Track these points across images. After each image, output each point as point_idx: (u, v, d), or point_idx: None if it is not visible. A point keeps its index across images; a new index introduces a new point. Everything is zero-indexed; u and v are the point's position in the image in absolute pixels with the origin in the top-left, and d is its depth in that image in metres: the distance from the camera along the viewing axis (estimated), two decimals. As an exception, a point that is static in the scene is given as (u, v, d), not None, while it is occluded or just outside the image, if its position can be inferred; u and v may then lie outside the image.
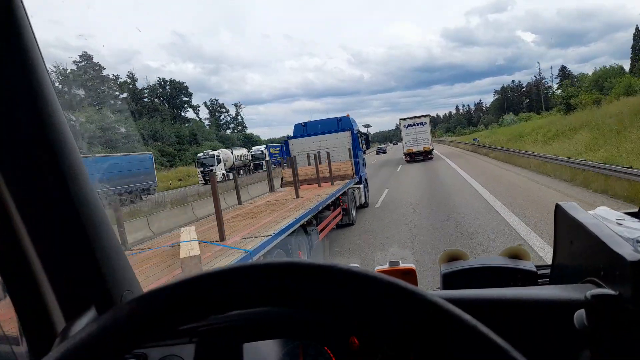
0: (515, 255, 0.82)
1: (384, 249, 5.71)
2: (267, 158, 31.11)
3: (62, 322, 0.58)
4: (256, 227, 4.16)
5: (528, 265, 0.79)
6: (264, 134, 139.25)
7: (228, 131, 69.90)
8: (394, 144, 74.81)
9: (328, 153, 8.10)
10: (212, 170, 20.71)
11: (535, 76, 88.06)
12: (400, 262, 0.80)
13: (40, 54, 0.57)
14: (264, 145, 39.03)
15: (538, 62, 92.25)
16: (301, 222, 4.62)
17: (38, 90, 0.55)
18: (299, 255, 4.68)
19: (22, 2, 0.55)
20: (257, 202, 6.41)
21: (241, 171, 31.01)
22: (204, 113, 73.23)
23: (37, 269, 0.57)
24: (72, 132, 0.59)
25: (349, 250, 5.72)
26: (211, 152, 28.38)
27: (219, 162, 27.55)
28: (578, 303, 0.54)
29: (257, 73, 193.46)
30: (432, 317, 0.37)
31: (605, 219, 0.70)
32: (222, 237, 3.52)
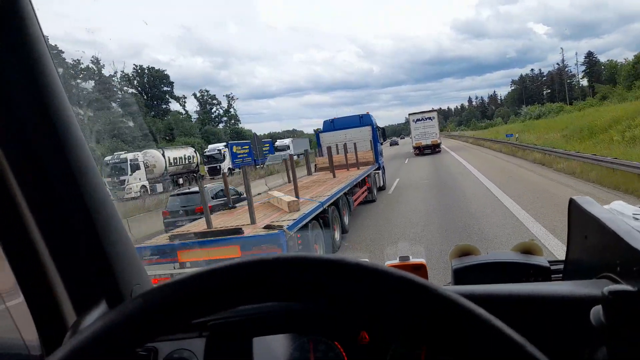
0: (527, 250, 0.84)
1: (396, 221, 7.54)
2: (227, 160, 28.66)
3: (73, 315, 0.62)
4: (315, 192, 6.71)
5: (541, 260, 0.81)
6: (274, 127, 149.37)
7: (221, 125, 69.84)
8: (400, 138, 75.81)
9: (355, 144, 10.64)
10: (124, 182, 20.12)
11: (558, 64, 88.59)
12: (410, 256, 0.83)
13: (48, 48, 0.60)
14: (223, 144, 32.85)
15: (562, 49, 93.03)
16: (344, 190, 7.09)
17: (46, 84, 0.59)
18: (343, 214, 6.94)
19: (31, 3, 0.58)
20: (302, 181, 8.43)
21: (180, 179, 24.52)
22: (192, 105, 72.91)
23: (48, 263, 0.61)
24: (80, 127, 0.62)
25: (374, 215, 8.34)
26: (123, 155, 20.44)
27: (133, 169, 20.43)
28: (594, 299, 0.55)
29: (265, 66, 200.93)
30: (445, 312, 0.38)
31: (622, 214, 0.72)
32: (297, 196, 5.93)
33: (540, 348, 0.34)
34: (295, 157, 10.85)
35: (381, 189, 11.44)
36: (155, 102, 60.25)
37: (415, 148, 25.96)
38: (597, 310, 0.54)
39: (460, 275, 0.83)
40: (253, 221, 4.82)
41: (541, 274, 0.80)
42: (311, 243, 5.16)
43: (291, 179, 6.91)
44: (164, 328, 0.40)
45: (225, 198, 6.98)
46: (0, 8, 0.55)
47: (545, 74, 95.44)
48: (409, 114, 26.94)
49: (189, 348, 0.68)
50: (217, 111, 72.94)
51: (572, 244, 0.79)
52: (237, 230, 4.56)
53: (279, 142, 40.30)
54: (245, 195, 5.68)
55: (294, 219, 4.79)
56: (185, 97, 62.06)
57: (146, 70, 58.04)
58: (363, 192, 9.15)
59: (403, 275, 0.39)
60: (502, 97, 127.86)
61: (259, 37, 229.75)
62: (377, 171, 11.02)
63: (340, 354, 0.68)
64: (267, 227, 4.52)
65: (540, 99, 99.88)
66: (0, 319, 0.67)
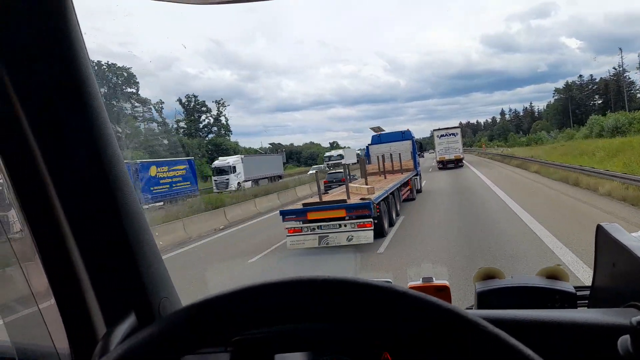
0: (553, 275, 0.93)
1: (428, 211, 12.19)
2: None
3: (103, 326, 0.73)
4: (378, 186, 10.79)
5: (567, 286, 0.90)
6: (298, 140, 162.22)
7: (211, 135, 69.07)
8: (429, 152, 73.99)
9: (400, 154, 15.60)
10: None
11: (615, 68, 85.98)
12: (433, 278, 0.93)
13: (89, 61, 0.73)
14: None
15: (620, 49, 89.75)
16: (396, 187, 11.27)
17: (87, 96, 0.72)
18: (397, 202, 11.34)
19: (74, 10, 0.71)
20: (360, 181, 12.50)
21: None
22: (168, 112, 70.81)
23: (81, 274, 0.72)
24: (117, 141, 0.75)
25: (413, 205, 13.55)
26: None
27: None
28: (622, 328, 0.63)
29: (292, 80, 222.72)
30: (471, 337, 0.42)
31: None
32: (370, 191, 9.65)
33: None
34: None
35: (418, 191, 16.17)
36: (115, 104, 58.94)
37: (439, 162, 31.12)
38: (624, 340, 0.61)
39: (484, 299, 0.92)
40: (348, 197, 9.49)
41: (567, 300, 0.88)
42: (382, 212, 9.47)
43: (355, 176, 13.19)
44: (196, 345, 0.46)
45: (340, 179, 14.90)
46: (45, 18, 0.68)
47: (597, 80, 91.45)
48: (434, 130, 32.35)
49: None
50: (206, 119, 71.95)
51: (599, 270, 0.88)
52: (344, 200, 9.17)
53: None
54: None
55: (373, 197, 9.19)
56: (162, 102, 58.73)
57: (105, 67, 53.43)
58: (407, 191, 13.79)
59: (427, 298, 0.43)
60: (540, 110, 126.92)
61: (287, 51, 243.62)
62: (416, 177, 15.86)
63: None
64: (362, 199, 9.16)
65: (591, 110, 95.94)
66: (34, 324, 0.78)
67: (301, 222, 9.00)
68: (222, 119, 73.70)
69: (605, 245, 0.84)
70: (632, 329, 0.58)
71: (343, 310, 0.44)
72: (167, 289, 0.82)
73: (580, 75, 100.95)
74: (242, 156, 40.22)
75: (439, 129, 31.81)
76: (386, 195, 10.06)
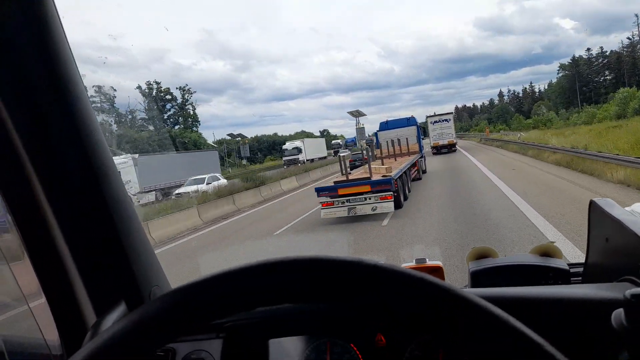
0: (546, 253, 1.00)
1: (432, 187, 15.50)
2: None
3: (93, 316, 0.78)
4: (393, 166, 13.80)
5: (560, 263, 0.97)
6: (295, 129, 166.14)
7: (177, 127, 67.00)
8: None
9: (407, 139, 19.66)
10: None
11: (629, 38, 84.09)
12: (427, 259, 1.01)
13: (72, 54, 0.77)
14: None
15: (637, 15, 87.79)
16: (407, 167, 14.48)
17: (70, 89, 0.76)
18: (408, 180, 14.46)
19: (54, 5, 0.75)
20: (375, 163, 15.08)
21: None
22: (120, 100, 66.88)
23: (69, 265, 0.77)
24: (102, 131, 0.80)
25: (422, 186, 16.01)
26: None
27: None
28: (616, 302, 0.66)
29: (285, 68, 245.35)
30: (463, 313, 0.44)
31: None
32: (388, 170, 12.97)
33: (561, 351, 0.40)
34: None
35: (423, 172, 19.69)
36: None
37: (433, 147, 33.82)
38: (618, 314, 0.65)
39: (478, 278, 0.98)
40: (371, 175, 11.90)
41: (561, 276, 0.95)
42: (399, 187, 12.18)
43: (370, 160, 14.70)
44: (182, 330, 0.48)
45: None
46: (25, 12, 0.71)
47: (607, 53, 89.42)
48: (427, 116, 35.71)
49: (206, 349, 0.82)
50: (171, 109, 70.00)
51: (592, 246, 0.94)
52: (368, 178, 11.66)
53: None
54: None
55: (392, 174, 12.00)
56: (115, 90, 54.62)
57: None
58: (415, 171, 17.07)
59: (421, 276, 0.46)
60: (541, 89, 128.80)
61: (279, 39, 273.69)
62: (421, 159, 19.61)
63: (357, 356, 0.80)
64: (384, 176, 11.78)
65: (600, 87, 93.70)
66: (23, 319, 0.82)
67: (331, 197, 11.96)
68: (189, 108, 70.96)
69: (599, 220, 0.90)
70: (626, 302, 0.61)
71: (330, 289, 0.46)
72: (158, 278, 0.87)
73: (588, 49, 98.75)
74: (134, 156, 31.49)
75: (432, 116, 35.70)
76: (401, 173, 13.04)
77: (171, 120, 69.06)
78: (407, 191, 14.00)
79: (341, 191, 12.10)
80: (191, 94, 70.94)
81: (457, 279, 4.28)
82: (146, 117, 62.74)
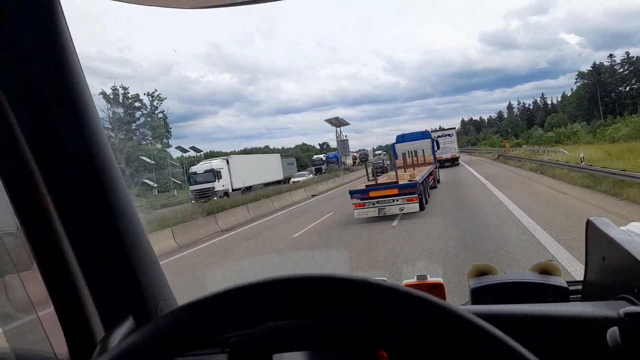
0: (545, 270, 1.04)
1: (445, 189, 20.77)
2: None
3: (101, 329, 0.82)
4: (413, 174, 15.83)
5: (559, 281, 1.00)
6: (299, 141, 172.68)
7: (146, 138, 60.16)
8: None
9: (423, 150, 23.12)
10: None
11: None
12: (428, 276, 1.03)
13: (77, 56, 0.82)
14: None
15: None
16: (427, 175, 17.51)
17: (78, 99, 0.80)
18: (427, 187, 17.42)
19: (63, 14, 0.80)
20: (389, 174, 18.63)
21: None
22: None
23: (79, 279, 0.82)
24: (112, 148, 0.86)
25: (438, 192, 19.57)
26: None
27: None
28: (611, 320, 0.70)
29: (291, 82, 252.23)
30: (462, 332, 0.48)
31: (639, 235, 0.91)
32: (412, 176, 15.45)
33: None
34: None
35: (438, 181, 22.72)
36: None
37: (437, 161, 36.30)
38: (613, 332, 0.69)
39: (478, 295, 1.01)
40: (397, 179, 14.52)
41: (560, 294, 0.98)
42: (422, 191, 14.89)
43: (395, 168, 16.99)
44: (190, 346, 0.52)
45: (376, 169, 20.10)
46: (35, 21, 0.76)
47: (634, 59, 78.00)
48: (431, 131, 35.49)
49: None
50: (140, 117, 63.47)
51: (590, 265, 0.98)
52: (396, 182, 14.32)
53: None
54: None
55: (417, 178, 14.59)
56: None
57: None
58: (431, 180, 19.93)
59: (419, 295, 0.50)
60: (553, 102, 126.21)
61: (285, 53, 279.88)
62: (436, 169, 22.70)
63: None
64: (410, 180, 14.40)
65: (625, 97, 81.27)
66: (33, 330, 0.87)
67: (361, 200, 14.60)
68: (160, 116, 65.15)
69: (595, 239, 0.94)
70: (620, 321, 0.66)
71: (332, 307, 0.50)
72: (164, 292, 0.91)
73: (611, 55, 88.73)
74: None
75: (435, 130, 40.78)
76: (423, 179, 15.82)
77: (140, 131, 59.39)
78: (427, 196, 16.65)
79: (372, 194, 14.55)
80: (161, 100, 60.43)
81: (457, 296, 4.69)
82: (110, 126, 51.68)
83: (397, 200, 14.13)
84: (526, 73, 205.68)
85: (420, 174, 16.44)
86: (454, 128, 42.03)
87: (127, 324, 0.80)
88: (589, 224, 0.96)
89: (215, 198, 30.54)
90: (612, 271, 0.86)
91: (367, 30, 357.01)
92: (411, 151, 21.90)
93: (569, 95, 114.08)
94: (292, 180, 44.17)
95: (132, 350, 0.48)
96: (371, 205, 14.30)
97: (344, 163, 56.74)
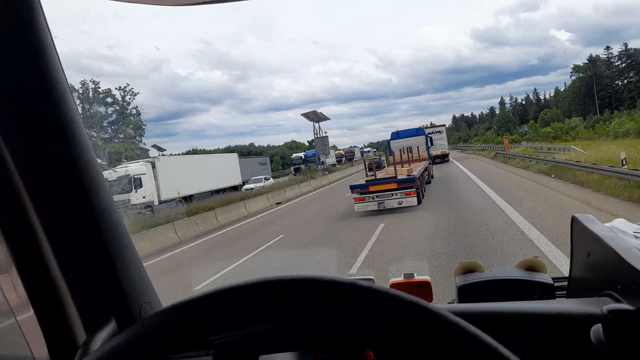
0: (531, 267, 1.05)
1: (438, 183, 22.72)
2: None
3: (83, 333, 0.81)
4: (411, 169, 17.85)
5: (545, 277, 1.02)
6: (290, 139, 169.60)
7: (120, 136, 55.92)
8: None
9: (418, 147, 24.19)
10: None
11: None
12: (415, 274, 1.03)
13: (60, 64, 0.81)
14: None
15: None
16: (423, 169, 19.07)
17: (58, 100, 0.79)
18: (423, 182, 19.13)
19: (42, 12, 0.79)
20: (387, 169, 21.55)
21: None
22: None
23: (59, 282, 0.81)
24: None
25: (433, 184, 22.27)
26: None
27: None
28: (595, 317, 0.70)
29: (284, 79, 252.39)
30: (442, 331, 0.49)
31: (623, 232, 0.92)
32: (410, 171, 17.31)
33: None
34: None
35: (432, 177, 23.74)
36: None
37: None
38: (597, 329, 0.68)
39: (465, 293, 1.02)
40: (396, 174, 15.93)
41: (545, 291, 1.00)
42: (419, 186, 15.96)
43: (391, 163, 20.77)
44: (174, 349, 0.53)
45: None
46: (12, 16, 0.76)
47: (631, 50, 73.84)
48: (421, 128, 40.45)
49: None
50: (113, 114, 58.25)
51: (575, 261, 0.99)
52: (394, 177, 15.65)
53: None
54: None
55: (414, 173, 16.04)
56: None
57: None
58: (426, 175, 21.03)
59: (401, 296, 0.52)
60: (547, 97, 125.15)
61: (278, 50, 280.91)
62: (430, 165, 23.91)
63: None
64: (407, 175, 15.69)
65: (622, 91, 77.16)
66: (12, 335, 0.86)
67: (361, 194, 15.60)
68: (133, 112, 59.40)
69: (580, 235, 0.95)
70: (604, 318, 0.66)
71: (318, 307, 0.50)
72: (148, 294, 0.90)
73: (608, 47, 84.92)
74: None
75: (426, 127, 40.21)
76: (420, 174, 16.88)
77: (113, 128, 54.99)
78: (423, 190, 17.51)
79: (372, 188, 15.33)
80: (134, 95, 54.95)
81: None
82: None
83: (396, 195, 14.97)
84: (517, 69, 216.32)
85: (417, 169, 17.66)
86: (444, 125, 43.67)
87: (110, 327, 0.80)
88: (573, 220, 0.98)
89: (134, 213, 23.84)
90: (596, 268, 0.88)
91: (360, 27, 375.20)
92: (406, 147, 23.25)
93: (562, 90, 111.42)
94: (244, 187, 37.37)
95: (114, 354, 0.47)
96: (371, 200, 15.19)
97: (323, 163, 51.50)
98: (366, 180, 15.71)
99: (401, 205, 14.82)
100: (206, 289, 0.52)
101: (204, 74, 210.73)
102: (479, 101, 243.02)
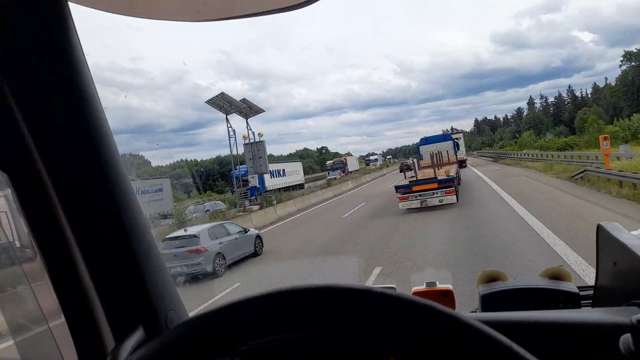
0: (556, 276, 1.03)
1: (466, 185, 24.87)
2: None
3: (111, 341, 0.84)
4: (448, 170, 21.62)
5: (570, 286, 1.00)
6: (312, 146, 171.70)
7: None
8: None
9: (447, 151, 28.31)
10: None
11: None
12: (437, 282, 1.03)
13: (90, 74, 0.84)
14: None
15: None
16: (456, 171, 22.73)
17: (88, 109, 0.82)
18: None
19: (73, 24, 0.82)
20: (426, 169, 23.39)
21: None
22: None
23: (90, 290, 0.84)
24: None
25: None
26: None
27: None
28: (624, 327, 0.69)
29: (302, 87, 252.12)
30: (469, 339, 0.49)
31: None
32: (447, 172, 21.35)
33: None
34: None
35: (460, 180, 25.08)
36: None
37: None
38: (626, 339, 0.67)
39: (488, 302, 1.00)
40: (436, 175, 18.84)
41: (571, 300, 0.98)
42: (456, 185, 19.40)
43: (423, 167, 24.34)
44: (199, 357, 0.54)
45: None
46: (45, 30, 0.78)
47: None
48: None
49: None
50: None
51: (601, 270, 0.97)
52: (435, 177, 18.48)
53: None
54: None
55: (452, 174, 19.25)
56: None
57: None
58: (457, 177, 22.44)
59: (427, 303, 0.52)
60: (584, 93, 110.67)
61: (296, 58, 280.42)
62: (458, 168, 25.88)
63: None
64: (447, 175, 18.69)
65: None
66: (45, 341, 0.89)
67: (404, 193, 18.06)
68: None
69: (606, 244, 0.94)
70: (633, 328, 0.65)
71: (341, 317, 0.52)
72: (173, 302, 0.92)
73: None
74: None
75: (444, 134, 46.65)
76: (455, 174, 19.82)
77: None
78: (459, 189, 20.17)
79: (415, 188, 17.61)
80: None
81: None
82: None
83: (437, 193, 17.14)
84: (539, 72, 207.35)
85: (452, 171, 20.64)
86: (462, 132, 49.46)
87: (137, 335, 0.80)
88: (599, 228, 0.96)
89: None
90: (623, 276, 0.86)
91: (377, 34, 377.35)
92: (435, 152, 24.47)
93: (602, 86, 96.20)
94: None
95: None
96: (414, 198, 17.51)
97: (257, 189, 31.83)
98: (410, 181, 18.53)
99: (442, 203, 17.09)
100: (234, 297, 0.54)
101: (224, 84, 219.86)
102: (501, 105, 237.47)
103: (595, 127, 55.56)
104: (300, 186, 49.18)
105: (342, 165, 74.08)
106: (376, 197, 28.36)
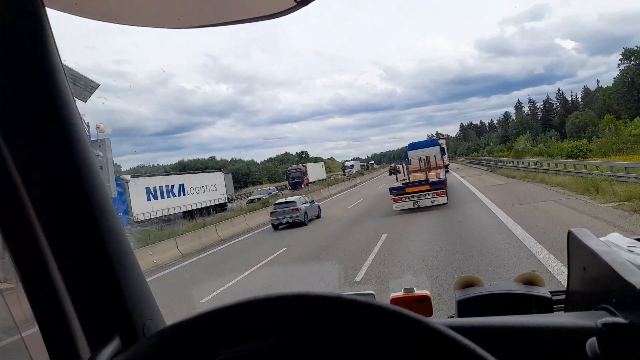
0: (529, 281, 1.07)
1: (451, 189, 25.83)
2: None
3: (87, 351, 0.83)
4: (439, 173, 23.87)
5: (543, 291, 1.04)
6: (298, 151, 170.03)
7: None
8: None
9: (435, 156, 26.86)
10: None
11: None
12: (415, 288, 1.05)
13: (66, 77, 0.84)
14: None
15: None
16: (444, 175, 25.11)
17: (64, 114, 0.81)
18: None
19: (50, 30, 0.81)
20: (416, 173, 25.08)
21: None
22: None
23: (64, 298, 0.83)
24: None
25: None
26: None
27: None
28: (590, 331, 0.71)
29: (289, 91, 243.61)
30: (435, 345, 0.49)
31: (617, 246, 0.94)
32: (438, 175, 24.16)
33: None
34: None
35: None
36: None
37: None
38: (592, 342, 0.69)
39: (464, 307, 1.03)
40: (428, 178, 21.51)
41: (543, 304, 1.01)
42: (446, 188, 21.25)
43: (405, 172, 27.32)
44: None
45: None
46: (20, 32, 0.78)
47: None
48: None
49: None
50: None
51: (572, 275, 1.01)
52: (427, 180, 20.91)
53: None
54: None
55: (443, 177, 21.82)
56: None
57: None
58: (445, 180, 23.68)
59: (394, 309, 0.53)
60: (575, 96, 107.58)
61: (283, 63, 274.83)
62: (445, 172, 26.90)
63: None
64: (438, 178, 21.05)
65: None
66: (17, 351, 0.88)
67: (397, 195, 19.44)
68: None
69: (576, 250, 0.97)
70: (599, 331, 0.67)
71: (313, 325, 0.53)
72: (151, 310, 0.92)
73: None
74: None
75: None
76: (444, 177, 21.17)
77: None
78: (446, 190, 21.35)
79: (408, 189, 19.08)
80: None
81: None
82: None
83: (429, 195, 18.52)
84: (523, 79, 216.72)
85: (441, 174, 22.52)
86: (445, 137, 54.81)
87: (114, 344, 0.81)
88: (570, 234, 1.00)
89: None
90: (592, 281, 0.89)
91: (364, 40, 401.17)
92: (424, 157, 25.86)
93: (594, 89, 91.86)
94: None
95: None
96: (407, 200, 18.88)
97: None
98: (403, 184, 20.49)
99: (433, 204, 18.55)
100: (211, 304, 0.55)
101: (210, 88, 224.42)
102: (486, 111, 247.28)
103: (612, 129, 48.09)
104: (221, 207, 39.90)
105: (299, 175, 60.55)
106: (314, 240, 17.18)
